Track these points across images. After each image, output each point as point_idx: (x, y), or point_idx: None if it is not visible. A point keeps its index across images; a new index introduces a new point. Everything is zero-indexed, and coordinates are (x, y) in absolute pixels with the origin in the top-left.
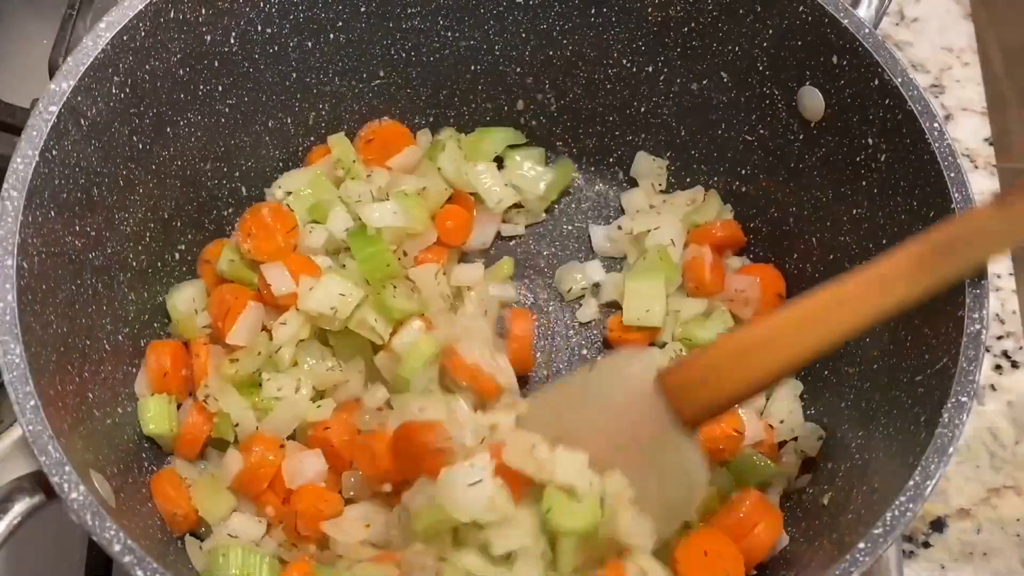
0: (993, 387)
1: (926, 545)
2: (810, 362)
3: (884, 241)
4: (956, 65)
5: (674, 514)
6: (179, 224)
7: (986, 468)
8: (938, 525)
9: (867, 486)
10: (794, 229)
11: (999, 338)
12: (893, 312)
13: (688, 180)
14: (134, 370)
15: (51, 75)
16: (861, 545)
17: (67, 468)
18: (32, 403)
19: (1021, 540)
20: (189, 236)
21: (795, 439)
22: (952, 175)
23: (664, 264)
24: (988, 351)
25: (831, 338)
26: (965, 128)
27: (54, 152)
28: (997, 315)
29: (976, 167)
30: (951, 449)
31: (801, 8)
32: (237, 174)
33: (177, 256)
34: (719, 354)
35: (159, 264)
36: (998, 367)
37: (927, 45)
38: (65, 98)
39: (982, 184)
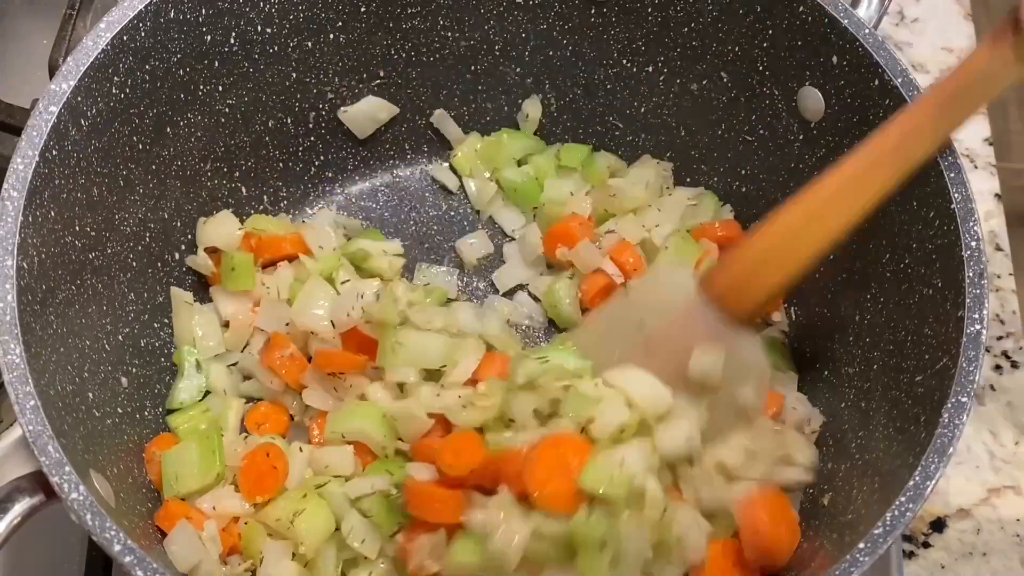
0: (993, 387)
1: (926, 545)
2: (848, 234)
3: (884, 241)
4: (956, 65)
5: (743, 413)
6: (179, 224)
7: (986, 468)
8: (938, 525)
9: (867, 486)
10: None
11: (999, 338)
12: (915, 168)
13: (688, 180)
14: (134, 370)
15: (51, 75)
16: (861, 545)
17: (67, 468)
18: (32, 403)
19: (1021, 540)
20: (189, 236)
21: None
22: (952, 175)
23: (688, 247)
24: (988, 351)
25: (865, 202)
26: (965, 128)
27: (54, 152)
28: (997, 315)
29: (976, 167)
30: (951, 449)
31: (801, 8)
32: (237, 174)
33: (177, 256)
34: (759, 246)
35: (159, 264)
36: (998, 367)
37: (927, 45)
38: (65, 98)
39: (982, 184)
